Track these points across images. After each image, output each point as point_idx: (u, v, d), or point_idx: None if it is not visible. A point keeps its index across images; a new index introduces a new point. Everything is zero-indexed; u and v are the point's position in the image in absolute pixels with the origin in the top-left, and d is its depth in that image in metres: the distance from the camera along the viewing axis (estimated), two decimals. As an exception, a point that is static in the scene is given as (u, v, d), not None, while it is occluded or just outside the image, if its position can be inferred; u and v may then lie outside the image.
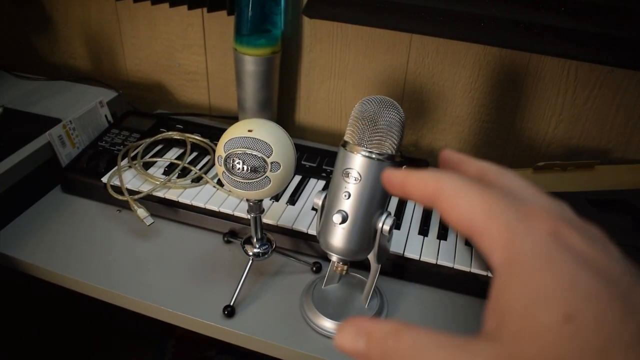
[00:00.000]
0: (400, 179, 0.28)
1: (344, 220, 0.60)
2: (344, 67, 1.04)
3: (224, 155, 0.61)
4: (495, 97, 0.97)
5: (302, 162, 0.93)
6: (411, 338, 0.22)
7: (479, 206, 0.24)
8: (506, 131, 1.00)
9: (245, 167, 0.61)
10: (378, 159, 0.58)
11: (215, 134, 0.99)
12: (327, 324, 0.69)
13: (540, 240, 0.22)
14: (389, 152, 0.58)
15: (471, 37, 0.90)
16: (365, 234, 0.61)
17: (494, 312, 0.22)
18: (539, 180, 0.86)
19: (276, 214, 0.82)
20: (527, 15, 0.83)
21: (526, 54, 0.92)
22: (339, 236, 0.61)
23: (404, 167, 0.31)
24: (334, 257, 0.64)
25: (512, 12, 0.84)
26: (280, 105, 1.09)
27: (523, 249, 0.22)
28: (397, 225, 0.81)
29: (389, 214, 0.62)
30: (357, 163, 0.58)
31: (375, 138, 0.57)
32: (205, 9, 1.06)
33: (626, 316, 0.19)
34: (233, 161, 0.61)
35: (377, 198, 0.60)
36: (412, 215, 0.84)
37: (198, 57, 1.15)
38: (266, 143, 0.61)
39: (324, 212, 0.63)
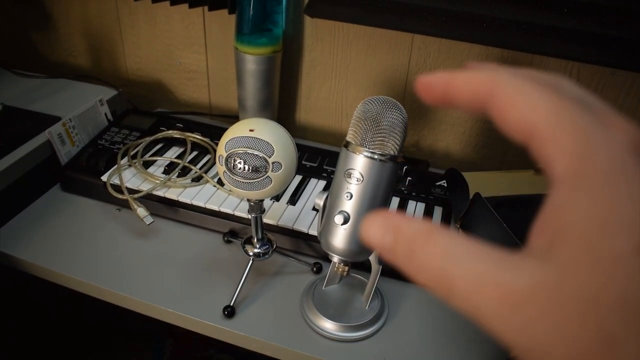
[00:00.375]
0: (444, 79, 0.24)
1: (345, 221, 0.59)
2: (345, 67, 1.04)
3: (225, 154, 0.61)
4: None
5: (303, 162, 0.93)
6: (444, 243, 0.20)
7: (548, 106, 0.20)
8: (507, 132, 1.00)
9: (246, 167, 0.60)
10: (380, 160, 0.57)
11: (215, 133, 0.98)
12: (328, 325, 0.69)
13: (621, 155, 0.18)
14: (392, 152, 0.58)
15: (473, 38, 0.89)
16: (366, 235, 0.61)
17: (548, 229, 0.19)
18: (540, 182, 0.86)
19: (277, 214, 0.82)
20: (530, 16, 0.83)
21: (528, 55, 0.92)
22: (340, 237, 0.61)
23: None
24: (335, 258, 0.64)
25: (514, 12, 0.84)
26: (281, 104, 1.08)
27: (599, 161, 0.18)
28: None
29: (391, 215, 0.61)
30: (359, 164, 0.58)
31: (378, 138, 0.57)
32: (206, 8, 1.06)
33: None
34: (234, 161, 0.60)
35: (379, 199, 0.59)
36: (414, 216, 0.83)
37: (199, 56, 1.15)
38: (268, 143, 0.60)
39: (325, 212, 0.63)
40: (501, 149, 1.02)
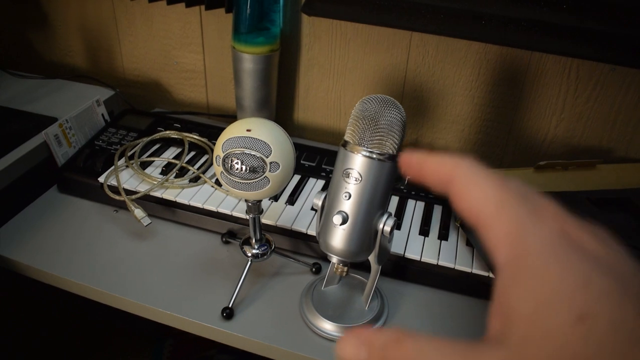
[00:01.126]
0: (418, 160, 0.27)
1: (344, 221, 0.59)
2: (343, 66, 1.03)
3: (222, 155, 0.60)
4: (496, 95, 0.97)
5: (301, 162, 0.93)
6: (413, 346, 0.22)
7: (492, 197, 0.23)
8: (507, 130, 0.99)
9: (243, 167, 0.60)
10: (379, 159, 0.57)
11: (213, 133, 0.98)
12: (327, 326, 0.68)
13: (551, 238, 0.21)
14: (390, 152, 0.57)
15: (472, 35, 0.89)
16: (366, 235, 0.60)
17: (499, 314, 0.21)
18: (540, 180, 0.85)
19: (275, 214, 0.81)
20: (529, 13, 0.83)
21: (527, 52, 0.91)
22: (339, 237, 0.60)
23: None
24: (334, 259, 0.63)
25: (513, 9, 0.83)
26: (278, 103, 1.08)
27: (531, 246, 0.21)
28: (397, 225, 0.80)
29: (390, 214, 0.61)
30: (357, 163, 0.57)
31: (376, 138, 0.56)
32: (202, 7, 1.05)
33: None
34: (231, 161, 0.60)
35: (378, 199, 0.59)
36: (413, 216, 0.83)
37: (196, 55, 1.14)
38: (265, 143, 0.60)
39: (323, 212, 0.62)
40: (500, 147, 1.01)
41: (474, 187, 0.24)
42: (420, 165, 0.27)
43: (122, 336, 1.40)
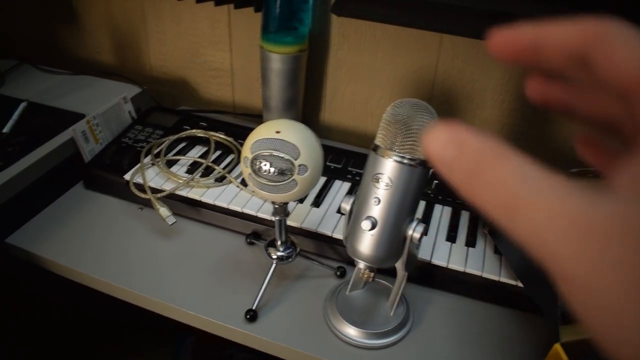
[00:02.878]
0: (533, 30, 0.22)
1: (373, 227, 0.58)
2: (371, 67, 1.02)
3: (250, 156, 0.60)
4: (527, 100, 0.94)
5: (327, 163, 0.92)
6: (515, 164, 0.18)
7: None
8: (537, 136, 0.97)
9: (272, 170, 0.59)
10: (410, 165, 0.56)
11: (239, 133, 0.97)
12: (351, 331, 0.67)
13: None
14: (422, 157, 0.56)
15: (504, 38, 0.87)
16: (394, 241, 0.59)
17: (634, 165, 0.18)
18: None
19: (300, 216, 0.80)
20: (564, 14, 0.81)
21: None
22: (367, 243, 0.59)
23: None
24: (361, 264, 0.62)
25: (548, 11, 0.81)
26: (305, 104, 1.07)
27: None
28: (424, 230, 0.78)
29: (419, 221, 0.60)
30: (388, 168, 0.56)
31: (408, 143, 0.55)
32: (232, 6, 1.05)
33: None
34: (260, 163, 0.59)
35: (407, 205, 0.58)
36: (440, 221, 0.82)
37: (223, 54, 1.14)
38: (294, 145, 0.59)
39: (352, 217, 0.61)
40: (529, 152, 0.99)
41: (634, 46, 0.19)
42: (538, 33, 0.22)
43: (143, 331, 1.40)
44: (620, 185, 0.18)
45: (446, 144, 0.20)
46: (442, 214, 0.83)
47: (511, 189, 0.18)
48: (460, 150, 0.19)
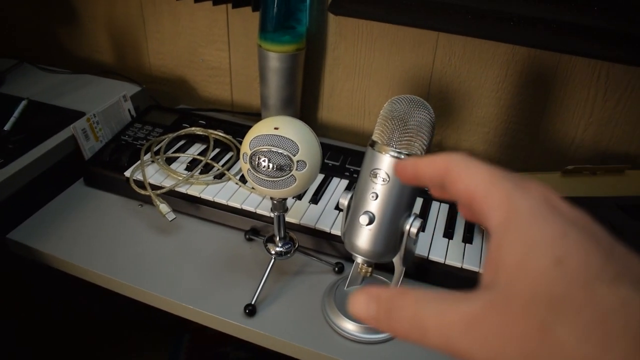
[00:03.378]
0: (412, 164, 0.31)
1: (370, 222, 0.58)
2: (368, 65, 1.03)
3: (249, 152, 0.61)
4: (523, 98, 0.95)
5: (325, 161, 0.92)
6: (414, 296, 0.25)
7: (483, 177, 0.27)
8: (533, 133, 0.98)
9: (270, 165, 0.60)
10: (407, 160, 0.56)
11: (237, 131, 0.98)
12: (349, 326, 0.68)
13: (535, 203, 0.25)
14: (418, 152, 0.57)
15: (500, 37, 0.88)
16: (392, 236, 0.60)
17: (490, 267, 0.24)
18: (567, 184, 0.84)
19: (299, 212, 0.81)
20: (558, 14, 0.82)
21: (556, 54, 0.90)
22: (365, 238, 0.60)
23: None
24: (359, 259, 0.63)
25: (542, 11, 0.82)
26: (303, 102, 1.08)
27: (519, 209, 0.25)
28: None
29: (417, 216, 0.60)
30: (385, 163, 0.57)
31: (405, 138, 0.56)
32: (229, 5, 1.06)
33: (608, 260, 0.22)
34: (258, 159, 0.60)
35: (405, 200, 0.59)
36: (437, 217, 0.83)
37: (221, 53, 1.15)
38: (292, 141, 0.60)
39: (349, 212, 0.62)
40: (526, 150, 1.00)
41: (467, 171, 0.28)
42: (415, 169, 0.31)
43: (140, 330, 1.41)
44: (483, 282, 0.25)
45: (368, 304, 0.26)
46: (439, 210, 0.84)
47: (415, 313, 0.24)
48: (378, 302, 0.26)
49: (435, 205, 0.85)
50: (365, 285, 0.26)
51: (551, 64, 0.91)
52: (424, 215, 0.83)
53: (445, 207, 0.85)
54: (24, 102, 1.00)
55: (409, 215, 0.60)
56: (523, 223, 0.24)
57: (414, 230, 0.60)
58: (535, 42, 0.85)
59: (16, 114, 0.97)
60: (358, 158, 0.94)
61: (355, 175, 0.90)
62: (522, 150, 1.00)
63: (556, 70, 0.91)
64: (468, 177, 0.27)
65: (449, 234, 0.79)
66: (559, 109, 0.94)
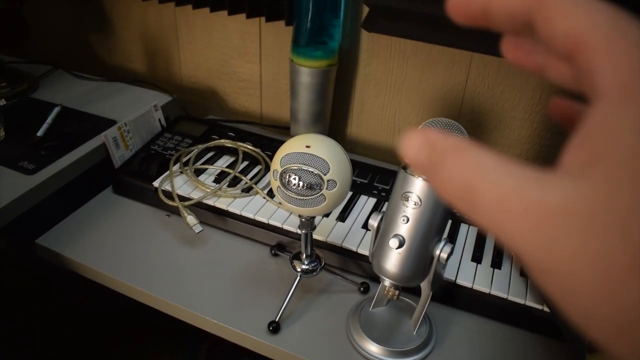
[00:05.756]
0: None
1: (400, 245, 0.58)
2: (400, 83, 1.02)
3: (279, 169, 0.60)
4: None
5: (354, 178, 0.91)
6: (473, 157, 0.20)
7: (604, 18, 0.19)
8: (566, 157, 0.96)
9: (301, 184, 0.59)
10: (440, 184, 0.55)
11: (266, 144, 0.98)
12: (373, 348, 0.67)
13: None
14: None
15: (536, 59, 0.87)
16: (421, 260, 0.59)
17: (586, 147, 0.18)
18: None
19: (326, 230, 0.81)
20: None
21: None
22: (394, 261, 0.59)
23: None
24: (387, 282, 0.62)
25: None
26: (332, 117, 1.07)
27: None
28: (449, 249, 0.78)
29: (447, 241, 0.59)
30: (417, 187, 0.56)
31: (439, 162, 0.55)
32: (262, 18, 1.06)
33: None
34: (289, 176, 0.60)
35: (436, 224, 0.58)
36: (465, 241, 0.81)
37: (253, 66, 1.15)
38: (324, 160, 0.59)
39: (379, 234, 0.61)
40: (558, 174, 0.98)
41: (577, 8, 0.19)
42: (487, 2, 0.22)
43: (159, 335, 1.41)
44: (567, 165, 0.18)
45: (420, 148, 0.21)
46: (467, 233, 0.83)
47: (467, 179, 0.19)
48: (431, 150, 0.21)
49: (464, 227, 0.84)
50: (425, 127, 0.19)
51: (587, 88, 0.89)
52: (452, 237, 0.82)
53: (473, 230, 0.84)
54: (57, 109, 1.02)
55: (440, 240, 0.59)
56: None
57: (444, 255, 0.59)
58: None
59: (49, 120, 0.98)
60: (386, 176, 0.93)
61: (383, 194, 0.89)
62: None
63: (592, 94, 0.89)
64: (578, 13, 0.19)
65: (477, 258, 0.78)
66: (594, 133, 0.92)
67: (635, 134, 0.16)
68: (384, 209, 0.64)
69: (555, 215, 0.17)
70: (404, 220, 0.57)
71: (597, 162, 0.17)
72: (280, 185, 0.61)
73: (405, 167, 0.58)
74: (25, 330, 1.01)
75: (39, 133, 0.94)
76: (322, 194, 0.60)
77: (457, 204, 0.20)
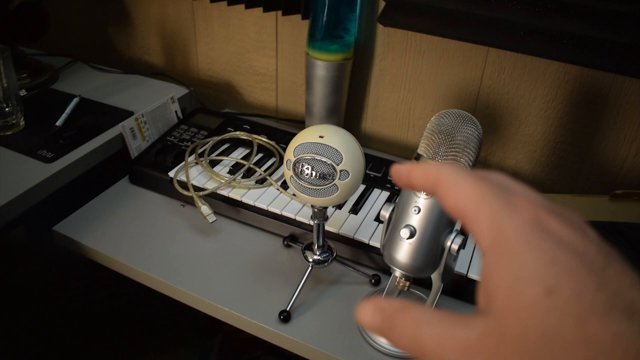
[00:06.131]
0: (406, 170, 0.30)
1: (411, 236, 0.58)
2: (415, 78, 1.02)
3: (293, 159, 0.61)
4: (573, 118, 0.93)
5: (367, 172, 0.92)
6: (414, 314, 0.25)
7: (472, 194, 0.26)
8: (582, 154, 0.95)
9: (313, 173, 0.60)
10: (452, 175, 0.56)
11: (281, 137, 0.99)
12: (383, 339, 0.67)
13: (523, 225, 0.24)
14: (465, 168, 0.56)
15: (552, 55, 0.86)
16: (432, 251, 0.59)
17: (484, 292, 0.24)
18: (615, 209, 0.82)
19: (338, 222, 0.81)
20: (612, 33, 0.79)
21: (609, 75, 0.88)
22: (405, 251, 0.59)
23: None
24: (398, 273, 0.62)
25: (597, 30, 0.80)
26: (347, 111, 1.08)
27: (507, 233, 0.24)
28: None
29: (458, 232, 0.60)
30: (429, 177, 0.56)
31: (451, 153, 0.55)
32: (279, 12, 1.07)
33: (600, 288, 0.22)
34: (302, 166, 0.60)
35: (447, 215, 0.58)
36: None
37: (269, 59, 1.16)
38: (337, 150, 0.60)
39: (390, 225, 0.61)
40: (574, 171, 0.98)
41: (456, 187, 0.27)
42: (409, 174, 0.30)
43: (173, 328, 1.43)
44: (480, 307, 0.24)
45: (373, 314, 0.26)
46: (480, 227, 0.83)
47: (414, 332, 0.25)
48: (382, 313, 0.26)
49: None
50: (373, 296, 0.27)
51: (604, 85, 0.89)
52: (464, 231, 0.81)
53: (486, 225, 0.83)
54: (76, 100, 1.03)
55: (451, 232, 0.59)
56: (512, 249, 0.23)
57: (455, 246, 0.59)
58: (589, 61, 0.83)
59: (68, 110, 1.00)
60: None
61: (396, 188, 0.89)
62: (570, 171, 0.98)
63: (609, 90, 0.88)
64: (457, 194, 0.27)
65: (489, 252, 0.77)
66: (610, 130, 0.91)
67: (506, 277, 0.23)
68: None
69: (478, 347, 0.23)
70: (415, 210, 0.58)
71: (492, 301, 0.23)
72: (293, 175, 0.62)
73: (417, 158, 0.58)
74: (25, 331, 1.03)
75: (58, 123, 0.96)
76: (334, 184, 0.60)
77: (411, 353, 0.25)
